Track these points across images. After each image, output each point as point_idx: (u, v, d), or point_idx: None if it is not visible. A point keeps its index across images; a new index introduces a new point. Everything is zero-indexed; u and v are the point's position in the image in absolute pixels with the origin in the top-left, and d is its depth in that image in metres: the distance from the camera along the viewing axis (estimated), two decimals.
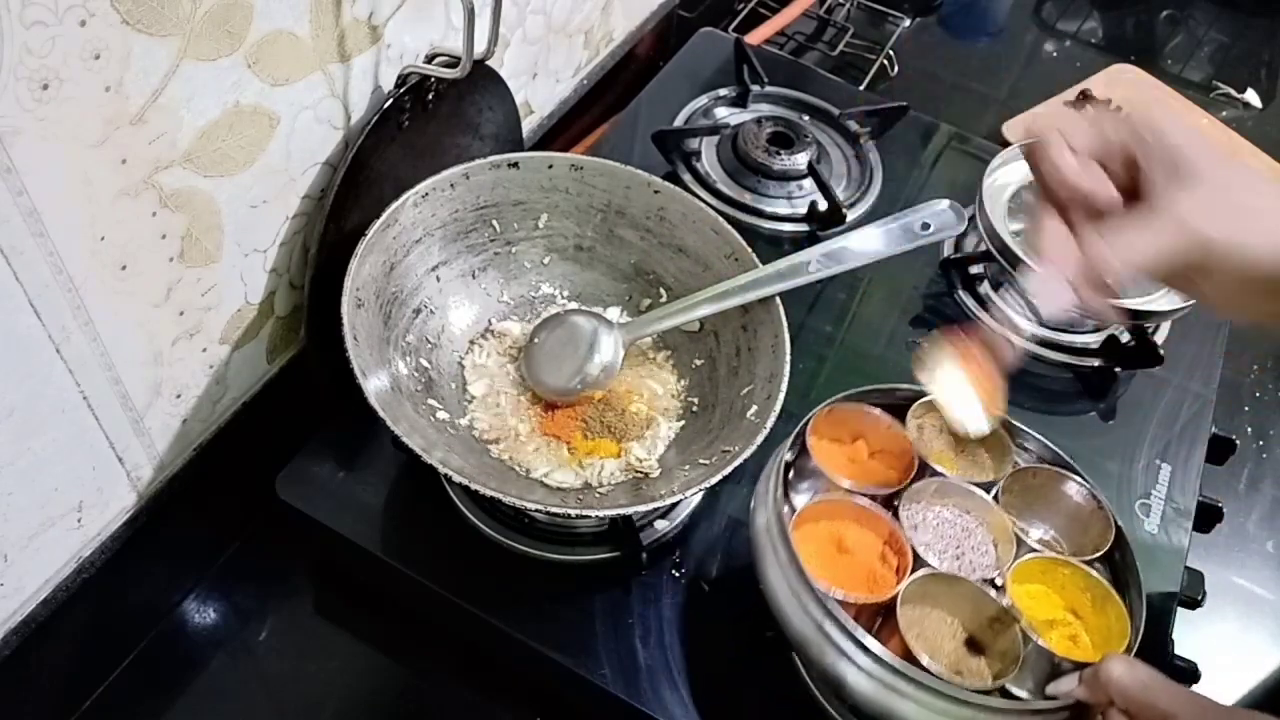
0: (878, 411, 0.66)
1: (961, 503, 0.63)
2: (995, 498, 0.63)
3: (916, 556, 0.59)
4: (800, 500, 0.63)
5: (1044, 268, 0.48)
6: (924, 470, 0.64)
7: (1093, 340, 0.88)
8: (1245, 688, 0.80)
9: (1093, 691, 0.50)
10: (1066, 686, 0.53)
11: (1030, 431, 0.66)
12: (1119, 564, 0.61)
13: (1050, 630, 0.59)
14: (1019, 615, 0.57)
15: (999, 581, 0.59)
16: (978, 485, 0.63)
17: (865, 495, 0.62)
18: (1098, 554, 0.61)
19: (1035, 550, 0.61)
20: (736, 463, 0.58)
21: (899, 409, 0.66)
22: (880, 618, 0.58)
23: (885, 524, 0.61)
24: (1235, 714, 0.48)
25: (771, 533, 0.59)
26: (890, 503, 0.63)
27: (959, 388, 0.58)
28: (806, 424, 0.64)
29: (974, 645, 0.59)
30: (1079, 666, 0.54)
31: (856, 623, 0.55)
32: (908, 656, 0.54)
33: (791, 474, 0.64)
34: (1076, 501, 0.64)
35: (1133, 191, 0.48)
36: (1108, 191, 0.48)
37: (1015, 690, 0.55)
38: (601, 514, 0.60)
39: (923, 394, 0.66)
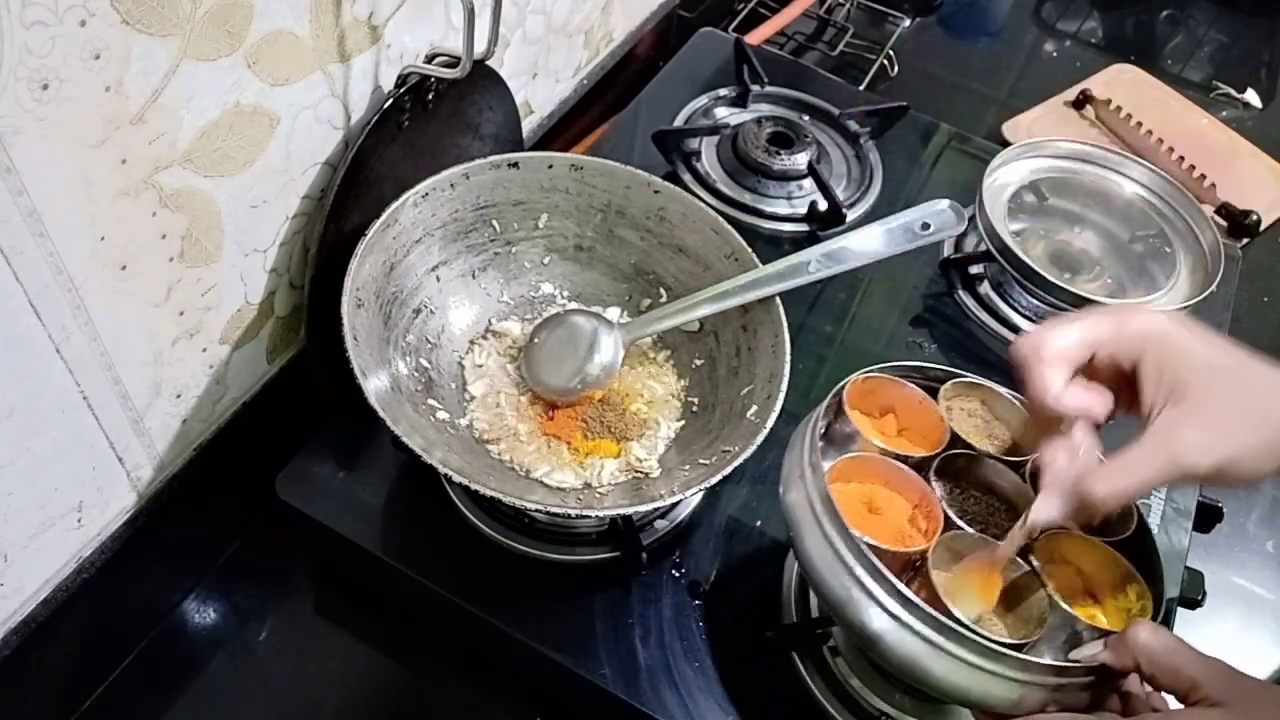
0: (911, 386, 0.65)
1: (990, 479, 0.63)
2: (1023, 476, 0.62)
3: (947, 520, 0.58)
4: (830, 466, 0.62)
5: (1043, 486, 0.51)
6: (954, 446, 0.63)
7: None
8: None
9: (1118, 655, 0.50)
10: (1091, 651, 0.53)
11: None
12: (1139, 551, 0.60)
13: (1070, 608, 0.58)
14: (1046, 580, 0.56)
15: (1028, 546, 0.58)
16: (1011, 461, 0.62)
17: (898, 457, 0.61)
18: (1117, 539, 0.60)
19: (1060, 528, 0.59)
20: (736, 463, 0.58)
21: (929, 390, 0.65)
22: (909, 579, 0.58)
23: (917, 486, 0.60)
24: (1260, 684, 0.47)
25: (807, 483, 0.58)
26: (920, 470, 0.62)
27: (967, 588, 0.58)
28: (842, 389, 0.63)
29: (997, 611, 0.58)
30: (1103, 634, 0.53)
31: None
32: (939, 606, 0.54)
33: (822, 442, 0.63)
34: None
35: (1127, 382, 0.50)
36: (1095, 413, 0.51)
37: (1032, 658, 0.54)
38: (601, 514, 0.60)
39: (955, 374, 0.66)
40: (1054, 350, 0.51)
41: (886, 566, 0.54)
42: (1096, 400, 0.51)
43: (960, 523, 0.59)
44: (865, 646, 0.55)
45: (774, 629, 0.65)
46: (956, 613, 0.54)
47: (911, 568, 0.58)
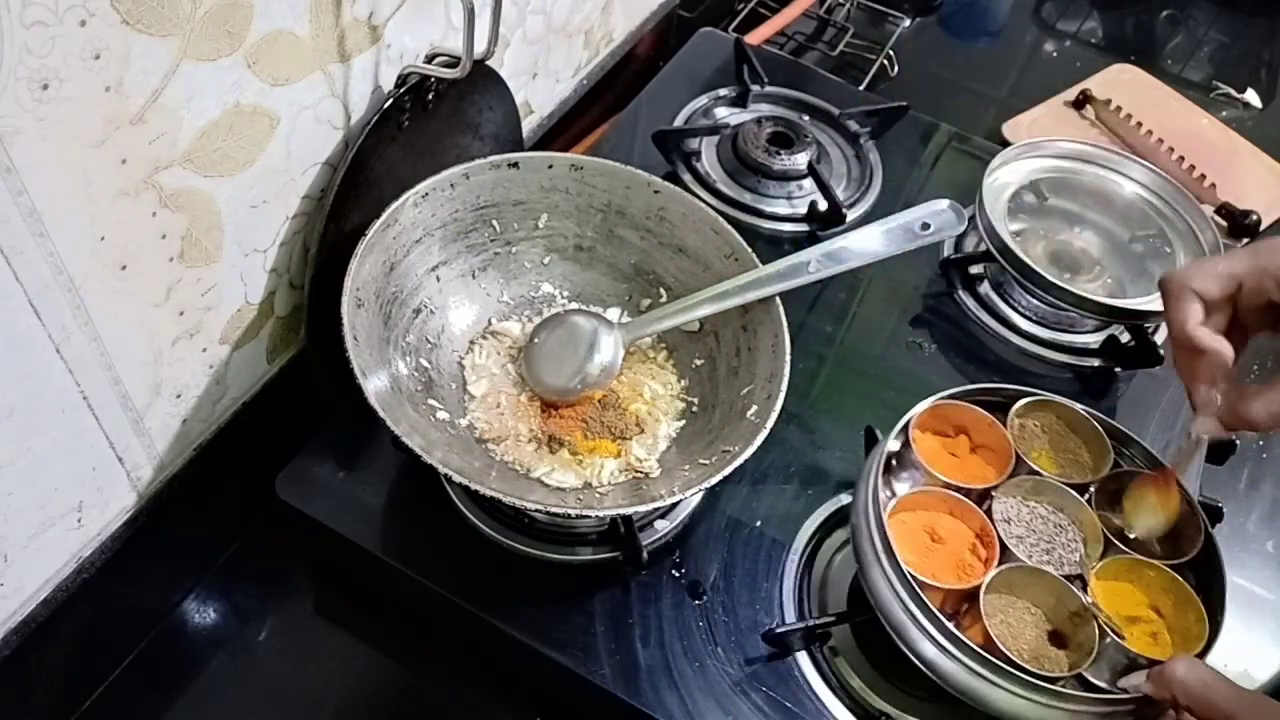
0: (980, 410, 0.68)
1: (1055, 500, 0.66)
2: (1089, 499, 0.66)
3: (1005, 549, 0.62)
4: (902, 488, 0.67)
5: (1198, 407, 0.57)
6: (1021, 467, 0.66)
7: (1093, 340, 0.88)
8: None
9: (1158, 688, 0.53)
10: (1136, 681, 0.56)
11: (1132, 435, 0.69)
12: (1206, 569, 0.63)
13: (1132, 626, 0.61)
14: (1098, 612, 0.59)
15: (1084, 578, 0.62)
16: (1075, 485, 0.66)
17: (960, 489, 0.64)
18: (1186, 558, 0.63)
19: (1123, 551, 0.63)
20: (736, 463, 0.58)
21: (1002, 406, 0.69)
22: (967, 604, 0.61)
23: (978, 517, 0.64)
24: None
25: (869, 519, 0.61)
26: (987, 495, 0.65)
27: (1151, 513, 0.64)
28: (910, 419, 0.66)
29: (1057, 636, 0.62)
30: (1151, 663, 0.57)
31: (944, 606, 0.60)
32: (989, 640, 0.58)
33: (895, 463, 0.67)
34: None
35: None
36: (1224, 354, 0.55)
37: (1092, 679, 0.59)
38: (601, 514, 0.60)
39: (1025, 393, 0.69)
40: (1195, 282, 0.55)
41: (942, 599, 0.59)
42: (1224, 344, 0.56)
43: (1019, 550, 0.63)
44: (925, 668, 0.59)
45: (774, 629, 0.65)
46: (1001, 647, 0.58)
47: (970, 597, 0.61)
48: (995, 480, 0.65)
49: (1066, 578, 0.61)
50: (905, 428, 0.66)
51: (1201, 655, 0.58)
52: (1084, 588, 0.61)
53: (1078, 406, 0.69)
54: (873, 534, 0.61)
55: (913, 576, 0.59)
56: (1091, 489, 0.66)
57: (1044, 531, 0.64)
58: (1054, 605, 0.62)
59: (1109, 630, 0.59)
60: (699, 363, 0.73)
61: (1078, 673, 0.58)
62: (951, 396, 0.68)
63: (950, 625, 0.57)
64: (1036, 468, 0.66)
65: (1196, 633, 0.60)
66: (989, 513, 0.64)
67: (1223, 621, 0.60)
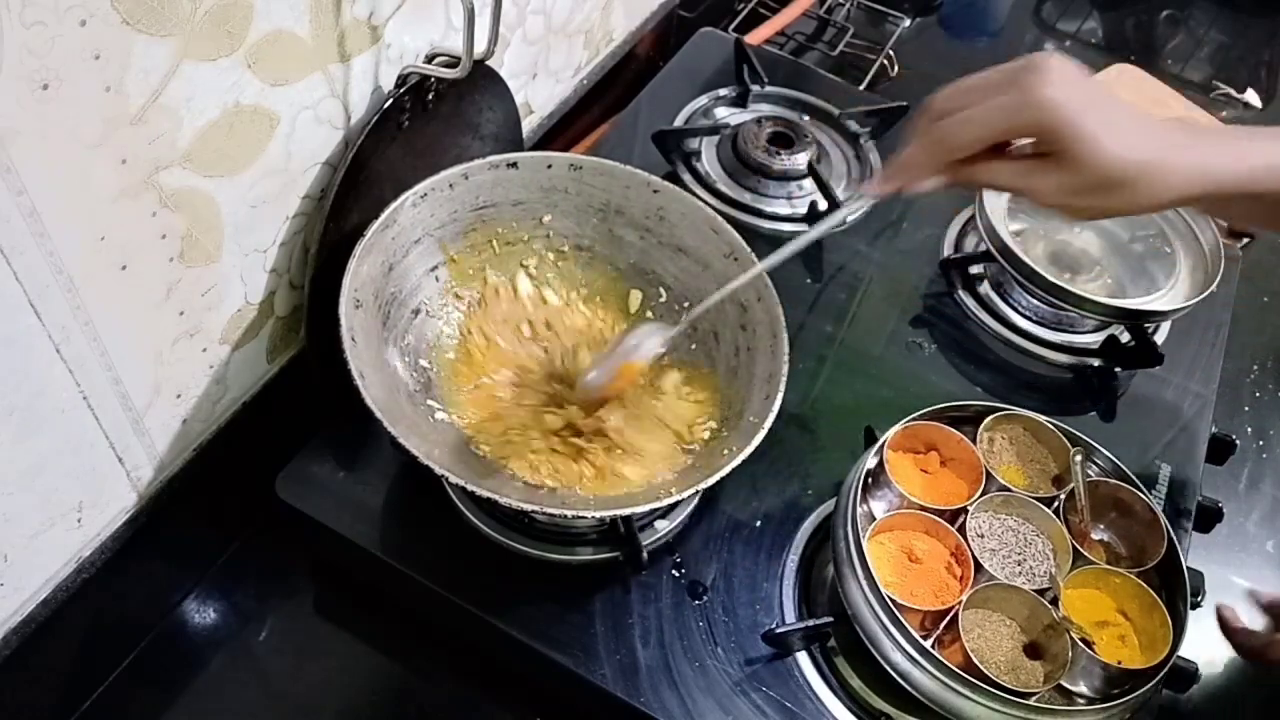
0: (948, 428, 0.71)
1: (1025, 513, 0.68)
2: (1057, 510, 0.68)
3: (979, 567, 0.64)
4: (879, 507, 0.69)
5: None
6: (991, 482, 0.68)
7: (1092, 340, 0.88)
8: (1245, 687, 0.80)
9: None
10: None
11: (1097, 446, 0.71)
12: (1168, 573, 0.66)
13: (1102, 630, 0.64)
14: (1069, 625, 0.62)
15: (1056, 587, 0.64)
16: (1043, 497, 0.68)
17: (935, 510, 0.67)
18: (1152, 563, 0.66)
19: (1091, 562, 0.66)
20: (736, 463, 0.58)
21: (971, 420, 0.71)
22: (946, 620, 0.63)
23: (952, 536, 0.66)
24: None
25: (849, 537, 0.63)
26: (961, 511, 0.67)
27: None
28: (885, 441, 0.68)
29: (1033, 648, 0.64)
30: (1126, 672, 0.61)
31: (924, 624, 0.63)
32: (968, 656, 0.61)
33: (871, 481, 0.69)
34: (1136, 510, 0.69)
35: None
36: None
37: (1070, 687, 0.62)
38: (601, 514, 0.60)
39: (993, 409, 0.71)
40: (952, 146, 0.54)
41: (921, 618, 0.63)
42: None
43: (993, 564, 0.65)
44: (899, 678, 0.61)
45: (774, 629, 0.65)
46: (979, 664, 0.60)
47: (948, 615, 0.63)
48: (967, 498, 0.68)
49: (1039, 590, 0.64)
50: (881, 449, 0.68)
51: (1169, 655, 0.61)
52: (1056, 596, 0.63)
53: (1042, 418, 0.71)
54: (852, 553, 0.63)
55: (892, 600, 0.60)
56: (1059, 500, 0.69)
57: (1015, 544, 0.67)
58: (1028, 618, 0.64)
59: (1079, 644, 0.61)
60: (698, 362, 0.73)
61: (1056, 683, 0.60)
62: (921, 416, 0.70)
63: (926, 644, 0.59)
64: (1005, 483, 0.68)
65: (1162, 634, 0.62)
66: (962, 529, 0.66)
67: (1186, 622, 0.62)
